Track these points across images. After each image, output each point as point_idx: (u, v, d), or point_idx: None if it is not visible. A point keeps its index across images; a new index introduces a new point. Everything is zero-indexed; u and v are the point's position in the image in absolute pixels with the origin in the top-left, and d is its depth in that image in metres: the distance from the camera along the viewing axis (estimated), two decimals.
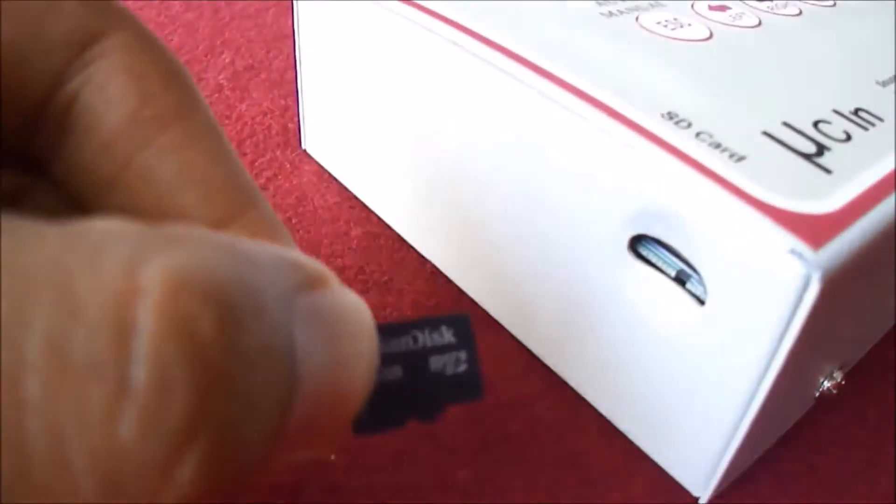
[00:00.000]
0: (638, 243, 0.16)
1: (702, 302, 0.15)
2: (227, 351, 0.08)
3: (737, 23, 0.20)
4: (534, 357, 0.20)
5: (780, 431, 0.19)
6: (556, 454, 0.18)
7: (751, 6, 0.22)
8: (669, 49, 0.18)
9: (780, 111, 0.16)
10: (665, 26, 0.19)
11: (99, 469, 0.07)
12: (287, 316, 0.09)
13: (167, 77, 0.12)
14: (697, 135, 0.15)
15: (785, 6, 0.22)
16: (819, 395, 0.18)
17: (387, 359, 0.11)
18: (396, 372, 0.12)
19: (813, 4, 0.23)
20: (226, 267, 0.08)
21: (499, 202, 0.18)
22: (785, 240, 0.13)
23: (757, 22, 0.21)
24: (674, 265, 0.15)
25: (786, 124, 0.16)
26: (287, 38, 0.33)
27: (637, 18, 0.19)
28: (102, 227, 0.08)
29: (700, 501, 0.17)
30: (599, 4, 0.20)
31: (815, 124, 0.16)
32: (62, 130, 0.12)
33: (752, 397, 0.15)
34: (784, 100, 0.17)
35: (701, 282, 0.15)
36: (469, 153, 0.19)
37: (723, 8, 0.21)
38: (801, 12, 0.22)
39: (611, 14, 0.19)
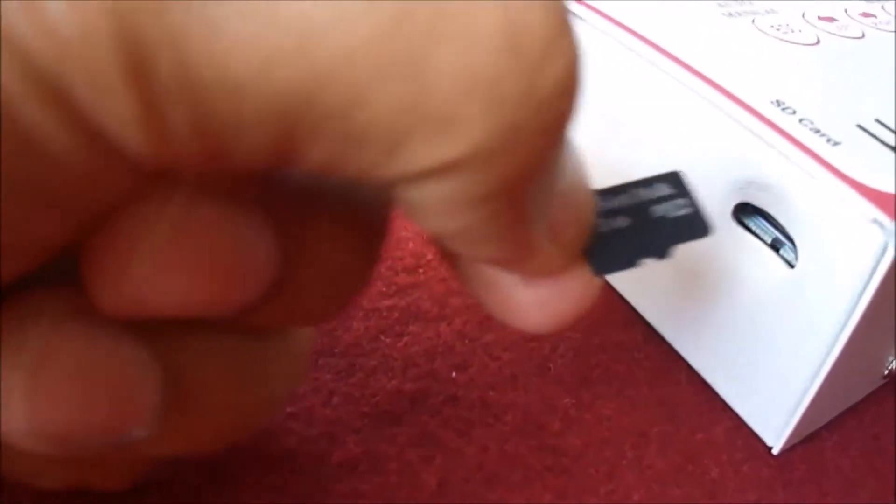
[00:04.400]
0: (740, 212, 0.19)
1: (792, 266, 0.19)
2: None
3: (842, 33, 0.24)
4: (637, 313, 0.24)
5: (849, 401, 0.22)
6: (649, 395, 0.21)
7: (856, 20, 0.25)
8: (781, 49, 0.22)
9: (874, 110, 0.20)
10: (778, 30, 0.23)
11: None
12: None
13: None
14: (800, 120, 0.18)
15: (889, 23, 0.25)
16: (887, 375, 0.22)
17: (611, 212, 0.14)
18: (623, 222, 0.14)
19: None
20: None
21: (618, 166, 0.22)
22: (869, 211, 0.17)
23: (861, 34, 0.24)
24: (770, 233, 0.19)
25: (877, 121, 0.19)
26: None
27: (753, 21, 0.23)
28: None
29: (773, 450, 0.21)
30: (721, 6, 0.23)
31: None
32: None
33: (827, 356, 0.18)
34: (878, 101, 0.20)
35: (793, 249, 0.18)
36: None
37: (831, 19, 0.24)
38: None
39: (730, 15, 0.23)
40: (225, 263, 0.11)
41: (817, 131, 0.18)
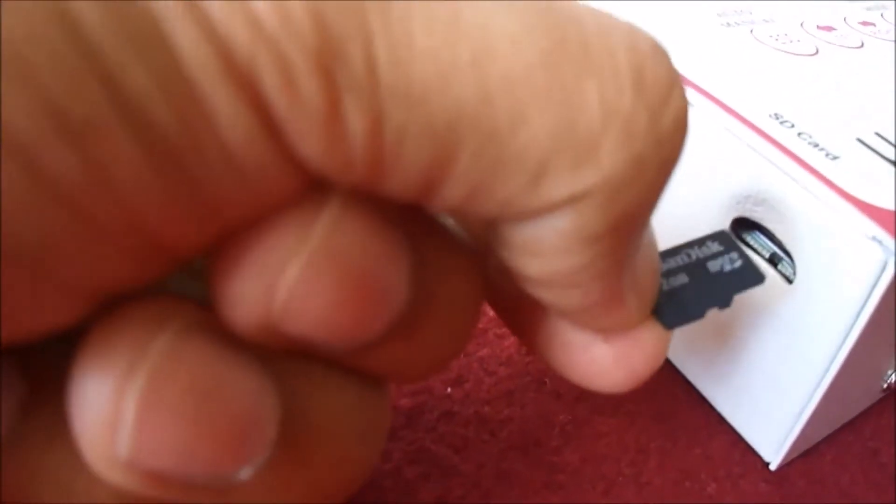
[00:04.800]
0: (739, 227, 0.19)
1: (790, 282, 0.18)
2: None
3: (841, 42, 0.24)
4: None
5: (848, 416, 0.22)
6: (647, 410, 0.21)
7: (856, 29, 0.25)
8: (779, 60, 0.22)
9: (874, 123, 0.20)
10: (777, 40, 0.23)
11: None
12: None
13: None
14: (799, 134, 0.18)
15: (888, 32, 0.25)
16: (885, 389, 0.22)
17: (671, 272, 0.15)
18: (683, 279, 0.15)
19: None
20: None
21: None
22: (868, 228, 0.16)
23: (860, 44, 0.24)
24: (768, 248, 0.19)
25: (877, 134, 0.19)
26: None
27: (752, 31, 0.23)
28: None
29: (770, 466, 0.21)
30: (720, 16, 0.23)
31: None
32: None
33: (826, 372, 0.18)
34: (878, 113, 0.20)
35: (791, 264, 0.18)
36: None
37: (830, 28, 0.24)
38: None
39: (729, 25, 0.23)
40: (371, 279, 0.11)
41: (816, 145, 0.18)
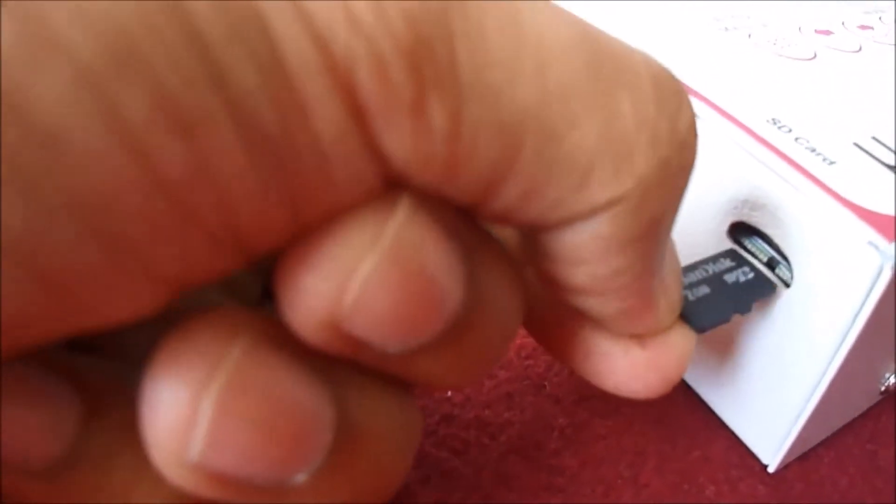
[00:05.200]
0: (736, 231, 0.19)
1: (787, 285, 0.19)
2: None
3: (839, 46, 0.24)
4: None
5: (846, 418, 0.22)
6: (645, 413, 0.21)
7: (854, 33, 0.25)
8: (777, 65, 0.22)
9: (871, 127, 0.20)
10: (774, 44, 0.23)
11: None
12: None
13: None
14: (796, 139, 0.19)
15: (886, 35, 0.26)
16: (884, 391, 0.22)
17: (693, 285, 0.17)
18: (704, 289, 0.17)
19: None
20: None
21: None
22: (865, 233, 0.17)
23: (858, 47, 0.24)
24: (766, 252, 0.19)
25: (874, 138, 0.19)
26: None
27: (749, 35, 0.23)
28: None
29: (769, 468, 0.21)
30: (717, 20, 0.23)
31: None
32: None
33: (823, 375, 0.18)
34: (875, 117, 0.20)
35: (789, 268, 0.18)
36: None
37: (827, 32, 0.25)
38: None
39: (727, 29, 0.23)
40: (434, 280, 0.11)
41: (813, 150, 0.18)
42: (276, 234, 0.10)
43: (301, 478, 0.11)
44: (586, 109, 0.11)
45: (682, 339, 0.16)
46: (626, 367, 0.16)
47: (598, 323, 0.15)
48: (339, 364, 0.12)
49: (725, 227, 0.19)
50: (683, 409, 0.22)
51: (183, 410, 0.10)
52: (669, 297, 0.15)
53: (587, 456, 0.20)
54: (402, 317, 0.11)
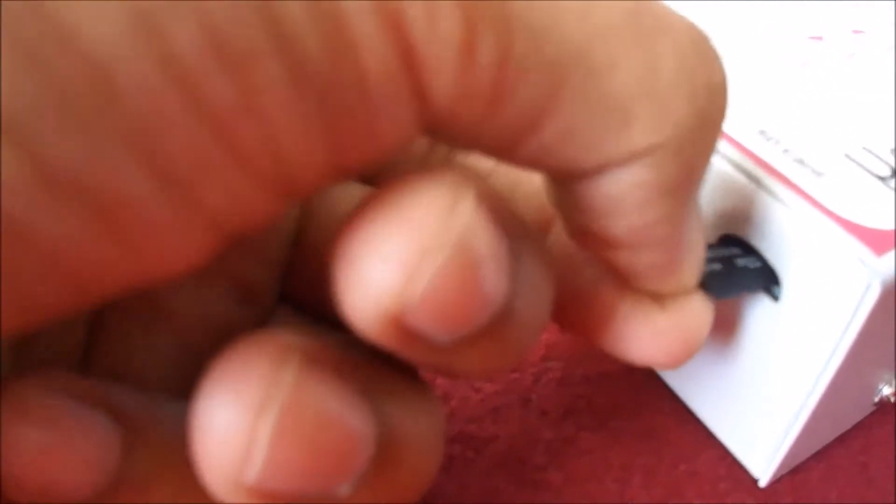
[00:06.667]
0: (725, 244, 0.19)
1: (776, 299, 0.18)
2: None
3: (831, 52, 0.24)
4: None
5: (838, 431, 0.22)
6: (632, 426, 0.21)
7: (847, 39, 0.25)
8: (768, 71, 0.22)
9: (863, 136, 0.20)
10: (765, 51, 0.23)
11: None
12: None
13: None
14: (785, 151, 0.18)
15: (880, 40, 0.25)
16: (878, 402, 0.22)
17: (706, 261, 0.17)
18: (718, 266, 0.17)
19: None
20: None
21: None
22: (853, 248, 0.16)
23: (851, 53, 0.24)
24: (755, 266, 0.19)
25: (866, 148, 0.19)
26: None
27: (741, 41, 0.23)
28: None
29: (759, 483, 0.21)
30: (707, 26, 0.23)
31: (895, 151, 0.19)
32: None
33: (813, 389, 0.18)
34: (868, 126, 0.20)
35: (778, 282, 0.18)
36: None
37: (820, 38, 0.24)
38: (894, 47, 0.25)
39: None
40: (489, 269, 0.11)
41: (801, 162, 0.18)
42: (317, 173, 0.10)
43: (346, 489, 0.12)
44: (627, 52, 0.11)
45: (702, 304, 0.16)
46: (648, 332, 0.16)
47: (618, 287, 0.16)
48: (376, 376, 0.13)
49: (714, 240, 0.19)
50: (672, 422, 0.22)
51: (240, 434, 0.11)
52: (694, 256, 0.15)
53: (573, 470, 0.20)
54: (461, 307, 0.11)
